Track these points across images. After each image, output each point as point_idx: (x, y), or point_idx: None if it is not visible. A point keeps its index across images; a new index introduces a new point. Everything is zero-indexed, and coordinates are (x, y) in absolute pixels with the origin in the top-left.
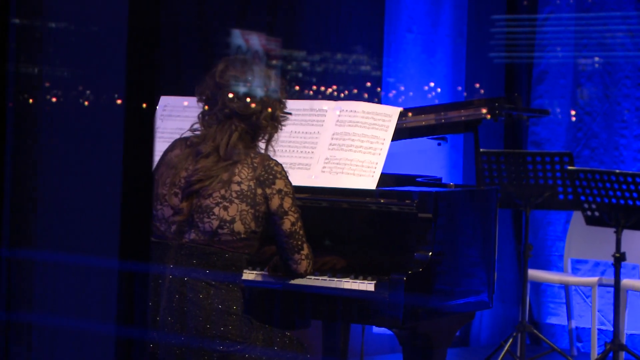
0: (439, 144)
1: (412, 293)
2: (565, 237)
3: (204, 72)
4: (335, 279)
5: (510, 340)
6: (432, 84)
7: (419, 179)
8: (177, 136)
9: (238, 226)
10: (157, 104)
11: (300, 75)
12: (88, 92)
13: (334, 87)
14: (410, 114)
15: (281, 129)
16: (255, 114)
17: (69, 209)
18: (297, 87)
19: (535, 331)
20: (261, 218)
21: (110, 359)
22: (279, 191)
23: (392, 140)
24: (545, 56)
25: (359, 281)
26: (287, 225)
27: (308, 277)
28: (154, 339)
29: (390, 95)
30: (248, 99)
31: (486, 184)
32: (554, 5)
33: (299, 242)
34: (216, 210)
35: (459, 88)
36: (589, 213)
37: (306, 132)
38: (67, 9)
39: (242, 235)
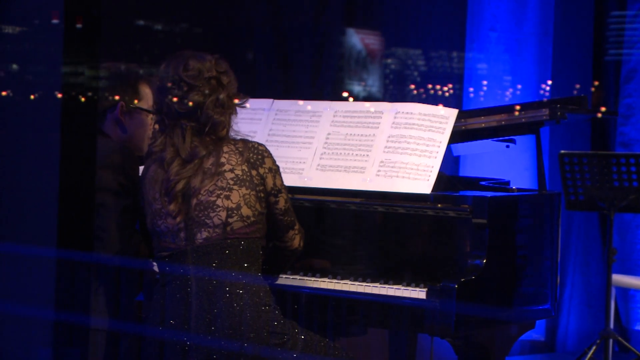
0: (507, 146)
1: (465, 301)
2: None
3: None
4: (387, 286)
5: (594, 347)
6: (516, 84)
7: (483, 183)
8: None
9: (245, 210)
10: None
11: (378, 73)
12: (25, 87)
13: (415, 86)
14: (469, 116)
15: (235, 112)
16: (198, 108)
17: (7, 200)
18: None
19: (619, 338)
20: (263, 199)
21: (49, 343)
22: (270, 169)
23: (450, 143)
24: (635, 54)
25: (410, 288)
26: (282, 202)
27: (359, 283)
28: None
29: (472, 94)
30: (186, 98)
31: (568, 186)
32: None
33: (292, 218)
34: (219, 202)
35: (545, 87)
36: None
37: (362, 135)
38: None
39: (252, 219)
